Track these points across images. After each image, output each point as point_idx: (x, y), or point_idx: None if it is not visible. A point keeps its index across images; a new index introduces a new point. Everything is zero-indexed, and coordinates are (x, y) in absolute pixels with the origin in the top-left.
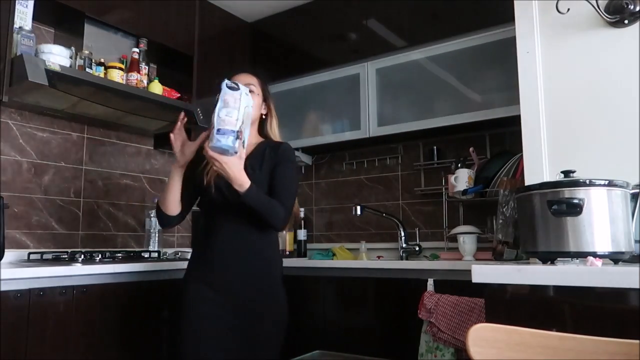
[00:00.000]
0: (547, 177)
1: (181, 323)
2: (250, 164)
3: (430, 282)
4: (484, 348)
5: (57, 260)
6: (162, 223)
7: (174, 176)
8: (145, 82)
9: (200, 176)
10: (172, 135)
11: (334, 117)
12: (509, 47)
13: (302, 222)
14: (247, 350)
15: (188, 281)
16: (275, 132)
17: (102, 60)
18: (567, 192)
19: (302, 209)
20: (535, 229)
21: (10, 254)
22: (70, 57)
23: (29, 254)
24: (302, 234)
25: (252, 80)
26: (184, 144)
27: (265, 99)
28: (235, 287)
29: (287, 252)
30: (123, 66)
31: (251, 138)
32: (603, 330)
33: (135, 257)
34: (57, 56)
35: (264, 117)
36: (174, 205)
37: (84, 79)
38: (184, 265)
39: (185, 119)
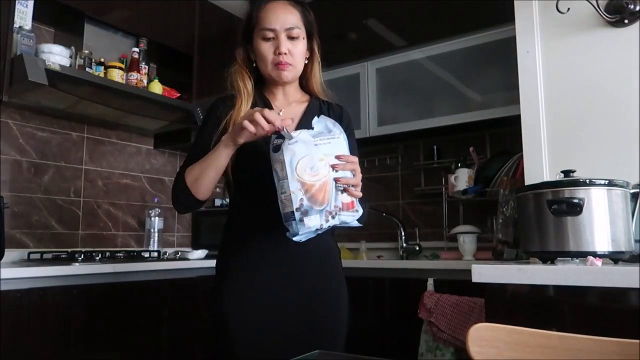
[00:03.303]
0: (547, 177)
1: (235, 319)
2: (311, 122)
3: (430, 281)
4: (484, 348)
5: (57, 260)
6: (186, 208)
7: (226, 154)
8: (145, 81)
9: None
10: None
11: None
12: (509, 47)
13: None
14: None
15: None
16: (320, 85)
17: (102, 60)
18: (567, 192)
19: None
20: (535, 229)
21: (10, 254)
22: (70, 57)
23: (29, 253)
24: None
25: (294, 17)
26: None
27: (309, 37)
28: (305, 277)
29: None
30: (123, 66)
31: (295, 94)
32: (603, 330)
33: (135, 257)
34: (57, 56)
35: (306, 61)
36: (211, 188)
37: (84, 79)
38: (184, 265)
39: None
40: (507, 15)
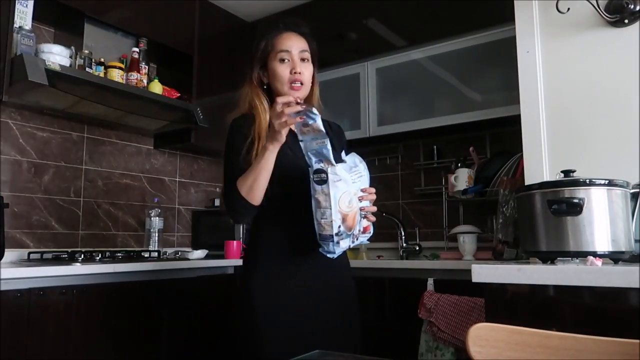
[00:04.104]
0: (547, 177)
1: (264, 320)
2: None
3: (430, 281)
4: (484, 348)
5: (57, 260)
6: (243, 217)
7: (272, 157)
8: (145, 81)
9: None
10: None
11: (334, 117)
12: (509, 47)
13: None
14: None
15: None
16: (316, 104)
17: (102, 59)
18: (567, 192)
19: None
20: (535, 229)
21: (10, 254)
22: (70, 57)
23: (29, 253)
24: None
25: (305, 44)
26: None
27: (313, 64)
28: (326, 281)
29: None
30: (123, 66)
31: None
32: (603, 330)
33: (135, 257)
34: (57, 56)
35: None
36: (263, 192)
37: (84, 79)
38: (184, 265)
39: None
40: (507, 15)
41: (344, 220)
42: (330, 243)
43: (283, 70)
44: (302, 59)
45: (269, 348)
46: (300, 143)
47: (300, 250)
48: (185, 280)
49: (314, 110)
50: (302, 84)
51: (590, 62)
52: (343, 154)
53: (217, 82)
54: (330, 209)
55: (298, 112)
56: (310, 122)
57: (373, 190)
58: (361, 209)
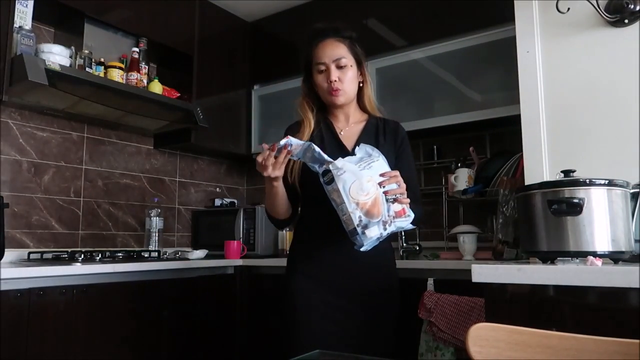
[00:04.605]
0: (547, 177)
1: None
2: (367, 140)
3: (430, 281)
4: (484, 347)
5: (57, 260)
6: (280, 226)
7: (272, 187)
8: (145, 81)
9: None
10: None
11: None
12: (509, 47)
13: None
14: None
15: (298, 277)
16: (372, 103)
17: (102, 59)
18: (567, 192)
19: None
20: (535, 229)
21: (10, 254)
22: (70, 57)
23: (29, 253)
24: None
25: (341, 50)
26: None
27: (359, 64)
28: (354, 280)
29: (287, 252)
30: (123, 66)
31: (355, 115)
32: (603, 330)
33: (135, 257)
34: (57, 56)
35: (360, 85)
36: (284, 209)
37: (84, 79)
38: (184, 264)
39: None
40: (507, 15)
41: (362, 208)
42: (357, 236)
43: (321, 81)
44: (339, 67)
45: (302, 332)
46: (300, 160)
47: (330, 253)
48: (185, 280)
49: (282, 140)
50: (340, 90)
51: (590, 62)
52: (357, 148)
53: (217, 82)
54: (345, 202)
55: (279, 150)
56: (289, 147)
57: (394, 172)
58: (385, 193)
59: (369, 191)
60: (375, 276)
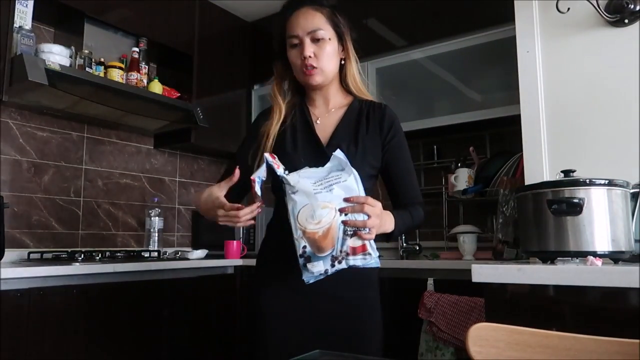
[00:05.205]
0: (547, 177)
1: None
2: (346, 132)
3: (430, 281)
4: (484, 347)
5: (57, 260)
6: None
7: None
8: (145, 81)
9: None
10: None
11: None
12: (509, 47)
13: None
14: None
15: (266, 284)
16: (359, 83)
17: (102, 59)
18: (567, 192)
19: None
20: (535, 229)
21: (10, 254)
22: (70, 57)
23: (29, 253)
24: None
25: (317, 20)
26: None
27: (340, 37)
28: (331, 289)
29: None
30: (123, 65)
31: (336, 98)
32: (603, 330)
33: (135, 257)
34: (57, 56)
35: (342, 62)
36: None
37: (84, 79)
38: (184, 264)
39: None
40: (507, 15)
41: (309, 239)
42: (300, 265)
43: (294, 58)
44: (315, 39)
45: (269, 339)
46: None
47: (293, 281)
48: (185, 280)
49: (290, 181)
50: (315, 67)
51: (590, 62)
52: (333, 154)
53: (217, 82)
54: (292, 226)
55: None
56: (257, 182)
57: (364, 199)
58: (344, 223)
59: (322, 219)
60: (351, 288)
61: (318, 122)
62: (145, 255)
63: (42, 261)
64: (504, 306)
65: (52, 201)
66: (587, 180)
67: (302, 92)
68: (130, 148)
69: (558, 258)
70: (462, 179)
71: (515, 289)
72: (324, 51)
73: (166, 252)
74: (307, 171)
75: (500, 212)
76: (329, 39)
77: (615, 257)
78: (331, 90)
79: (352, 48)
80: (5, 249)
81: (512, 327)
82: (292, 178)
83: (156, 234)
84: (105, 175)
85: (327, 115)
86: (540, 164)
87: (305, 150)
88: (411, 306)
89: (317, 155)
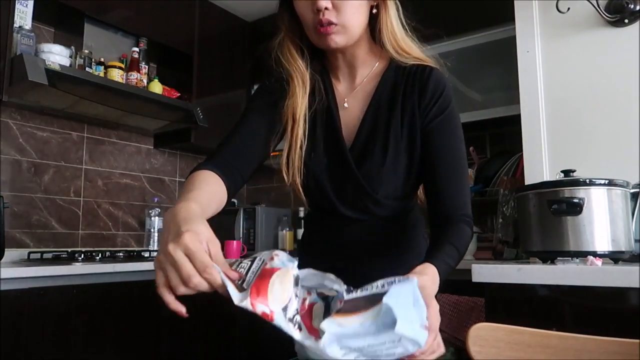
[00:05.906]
0: (547, 177)
1: None
2: (376, 125)
3: None
4: (484, 347)
5: (57, 260)
6: None
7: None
8: (145, 81)
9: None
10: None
11: None
12: (509, 47)
13: (302, 221)
14: None
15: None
16: (399, 39)
17: (102, 59)
18: (567, 192)
19: (301, 208)
20: (535, 229)
21: (10, 254)
22: (70, 57)
23: (29, 253)
24: (302, 234)
25: None
26: None
27: None
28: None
29: (287, 252)
30: (123, 65)
31: (366, 62)
32: (603, 329)
33: (136, 257)
34: (57, 55)
35: (374, 10)
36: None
37: (84, 79)
38: None
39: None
40: (507, 15)
41: None
42: None
43: (304, 9)
44: None
45: None
46: None
47: (331, 246)
48: None
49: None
50: (335, 24)
51: (590, 62)
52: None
53: (217, 82)
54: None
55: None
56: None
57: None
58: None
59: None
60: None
61: (346, 105)
62: (145, 255)
63: (42, 261)
64: (504, 306)
65: (52, 201)
66: (587, 180)
67: (319, 55)
68: (130, 148)
69: (558, 258)
70: None
71: (515, 289)
72: (346, 2)
73: None
74: (343, 322)
75: (500, 212)
76: None
77: (615, 257)
78: (359, 54)
79: None
80: (5, 249)
81: (512, 327)
82: (330, 325)
83: (156, 234)
84: (105, 175)
85: (354, 93)
86: (540, 164)
87: (329, 155)
88: None
89: (340, 164)
